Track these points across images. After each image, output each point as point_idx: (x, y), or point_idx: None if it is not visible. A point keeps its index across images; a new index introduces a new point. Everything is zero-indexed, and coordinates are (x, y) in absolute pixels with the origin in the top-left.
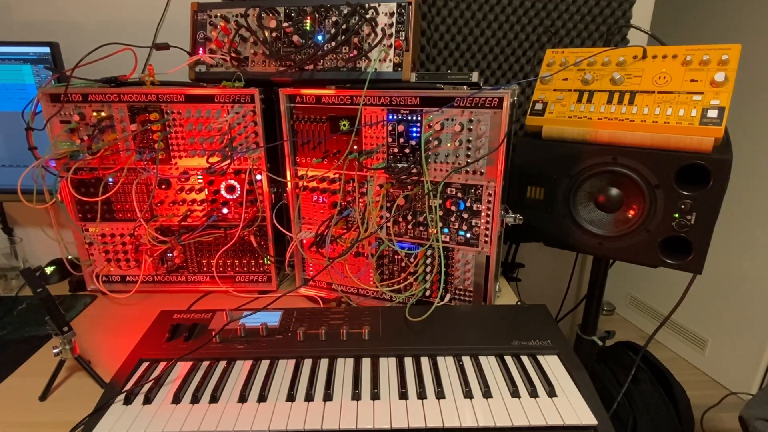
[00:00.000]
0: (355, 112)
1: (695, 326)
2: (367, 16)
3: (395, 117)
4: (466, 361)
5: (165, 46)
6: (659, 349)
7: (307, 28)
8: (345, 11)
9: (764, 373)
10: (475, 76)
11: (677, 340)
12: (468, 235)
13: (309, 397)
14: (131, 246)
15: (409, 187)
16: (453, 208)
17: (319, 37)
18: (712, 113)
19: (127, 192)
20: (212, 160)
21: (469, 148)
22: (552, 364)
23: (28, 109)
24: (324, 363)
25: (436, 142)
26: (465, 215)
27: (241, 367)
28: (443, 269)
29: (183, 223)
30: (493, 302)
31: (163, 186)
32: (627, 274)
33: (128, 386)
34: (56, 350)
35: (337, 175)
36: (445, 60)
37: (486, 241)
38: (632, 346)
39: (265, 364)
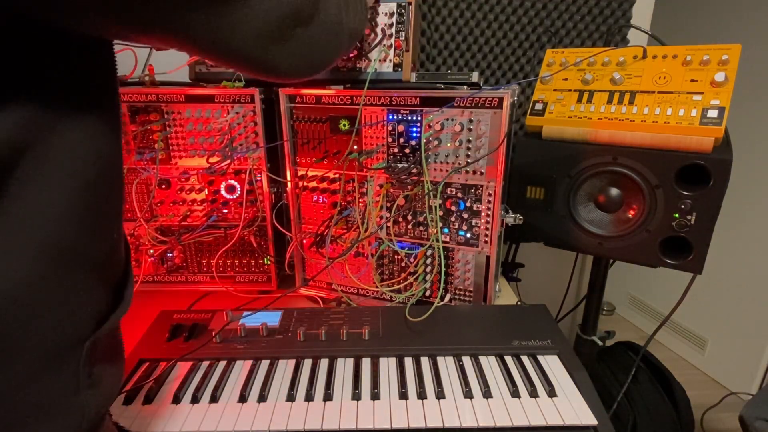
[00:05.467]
0: (355, 112)
1: (695, 326)
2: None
3: (395, 117)
4: (466, 361)
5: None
6: (659, 349)
7: None
8: None
9: (764, 373)
10: (475, 76)
11: (677, 340)
12: (468, 235)
13: (309, 397)
14: (131, 246)
15: (409, 187)
16: (453, 208)
17: None
18: (712, 113)
19: (127, 192)
20: (212, 160)
21: (469, 148)
22: (552, 364)
23: None
24: (324, 363)
25: (436, 142)
26: (465, 215)
27: (241, 367)
28: (443, 269)
29: (183, 223)
30: (493, 302)
31: (163, 186)
32: (627, 274)
33: (128, 386)
34: None
35: (337, 175)
36: (445, 60)
37: (486, 241)
38: (632, 346)
39: (265, 364)
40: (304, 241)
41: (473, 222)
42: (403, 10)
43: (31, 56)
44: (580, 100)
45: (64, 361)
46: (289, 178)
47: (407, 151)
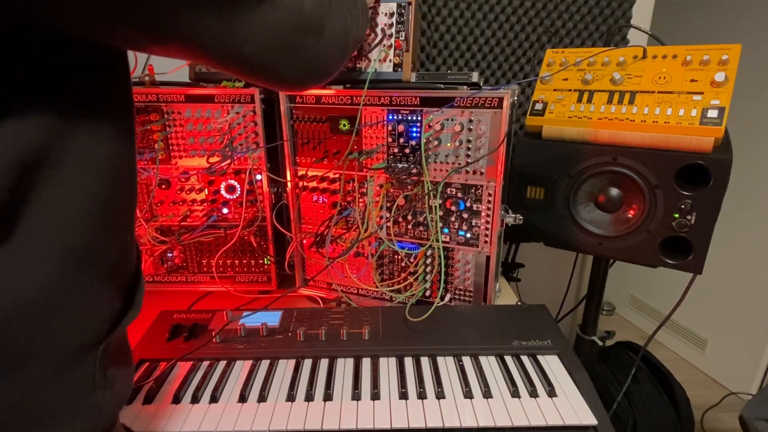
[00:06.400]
0: (355, 112)
1: (695, 326)
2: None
3: (395, 117)
4: (466, 361)
5: None
6: (659, 349)
7: None
8: None
9: (764, 373)
10: (475, 76)
11: (677, 340)
12: (468, 235)
13: (309, 397)
14: None
15: (409, 187)
16: (453, 208)
17: None
18: (712, 113)
19: None
20: (212, 160)
21: (469, 148)
22: (552, 364)
23: None
24: (324, 363)
25: (436, 142)
26: (465, 215)
27: (241, 367)
28: (443, 269)
29: (183, 223)
30: (493, 302)
31: (163, 186)
32: (627, 274)
33: None
34: None
35: (337, 175)
36: (445, 60)
37: (486, 241)
38: (632, 346)
39: (265, 364)
40: (304, 241)
41: (473, 222)
42: (403, 10)
43: (50, 66)
44: (580, 100)
45: (81, 363)
46: (289, 178)
47: (407, 151)
